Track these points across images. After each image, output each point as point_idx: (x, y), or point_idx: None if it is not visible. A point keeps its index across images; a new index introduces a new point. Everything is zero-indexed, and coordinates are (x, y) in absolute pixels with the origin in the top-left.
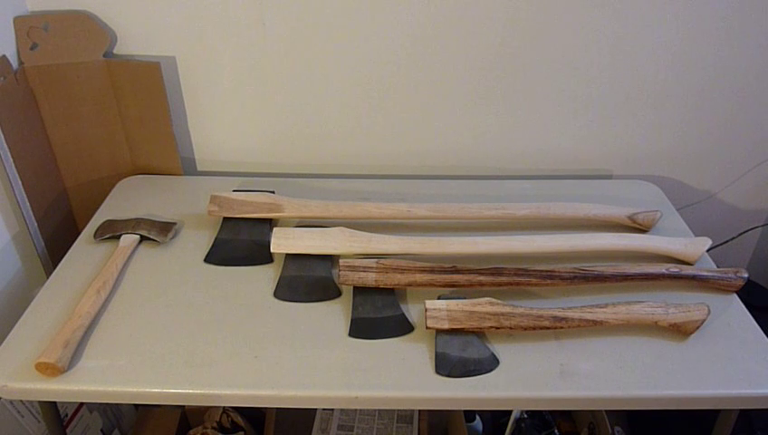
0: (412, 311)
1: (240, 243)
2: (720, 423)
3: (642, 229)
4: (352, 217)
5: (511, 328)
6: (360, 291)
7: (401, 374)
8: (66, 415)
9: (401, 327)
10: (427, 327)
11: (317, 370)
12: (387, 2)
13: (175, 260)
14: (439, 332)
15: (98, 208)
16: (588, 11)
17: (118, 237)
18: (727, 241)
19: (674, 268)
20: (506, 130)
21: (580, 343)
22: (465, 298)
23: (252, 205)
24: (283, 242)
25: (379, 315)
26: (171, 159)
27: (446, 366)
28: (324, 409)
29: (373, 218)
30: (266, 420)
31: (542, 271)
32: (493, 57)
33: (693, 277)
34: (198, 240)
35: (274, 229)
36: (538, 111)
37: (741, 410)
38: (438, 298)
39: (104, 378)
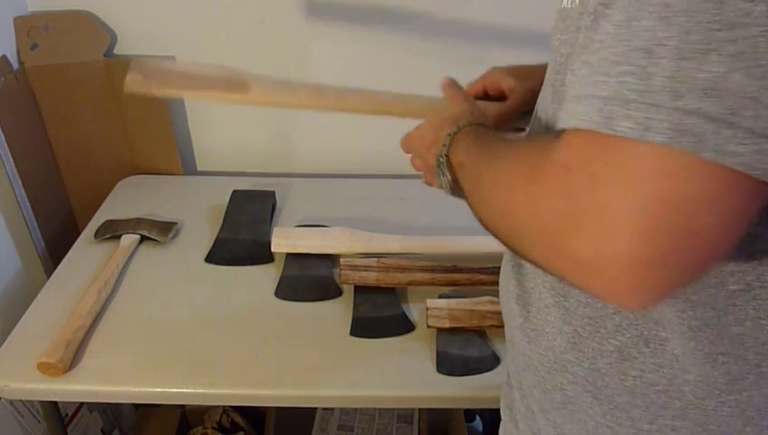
0: (413, 310)
1: (240, 242)
2: None
3: None
4: (319, 105)
5: None
6: (360, 290)
7: (402, 373)
8: (66, 415)
9: (402, 326)
10: (427, 326)
11: (317, 369)
12: (386, 1)
13: (175, 260)
14: (440, 331)
15: (98, 208)
16: None
17: (118, 237)
18: None
19: None
20: None
21: None
22: (465, 297)
23: (198, 80)
24: (283, 242)
25: (379, 314)
26: (171, 159)
27: (447, 365)
28: (324, 409)
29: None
30: (266, 420)
31: None
32: (490, 57)
33: None
34: (199, 240)
35: (275, 229)
36: None
37: None
38: (439, 297)
39: (105, 378)
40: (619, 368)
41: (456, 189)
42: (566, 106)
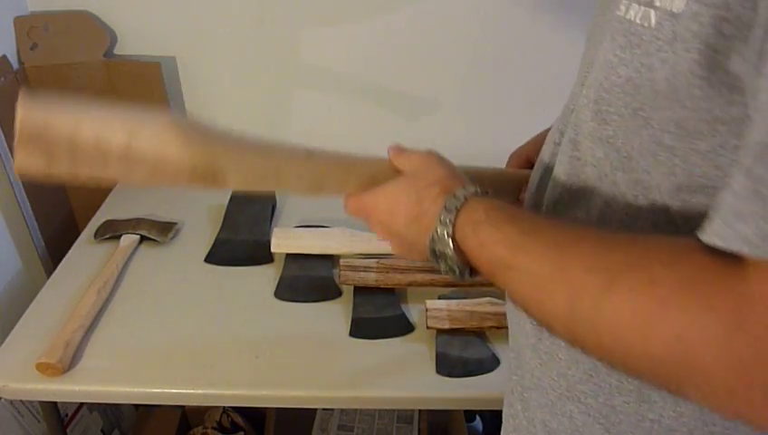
0: (413, 311)
1: (240, 243)
2: None
3: None
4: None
5: None
6: (360, 291)
7: (401, 374)
8: (66, 415)
9: (402, 327)
10: (427, 327)
11: (317, 370)
12: (386, 2)
13: (175, 260)
14: (440, 331)
15: (98, 208)
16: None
17: (118, 237)
18: None
19: None
20: (505, 130)
21: None
22: (465, 298)
23: (146, 162)
24: (283, 242)
25: (379, 315)
26: None
27: (447, 366)
28: (324, 409)
29: None
30: (266, 420)
31: None
32: (486, 60)
33: None
34: (199, 240)
35: (275, 229)
36: (533, 112)
37: None
38: (439, 298)
39: (104, 378)
40: (636, 408)
41: (472, 274)
42: (755, 215)
